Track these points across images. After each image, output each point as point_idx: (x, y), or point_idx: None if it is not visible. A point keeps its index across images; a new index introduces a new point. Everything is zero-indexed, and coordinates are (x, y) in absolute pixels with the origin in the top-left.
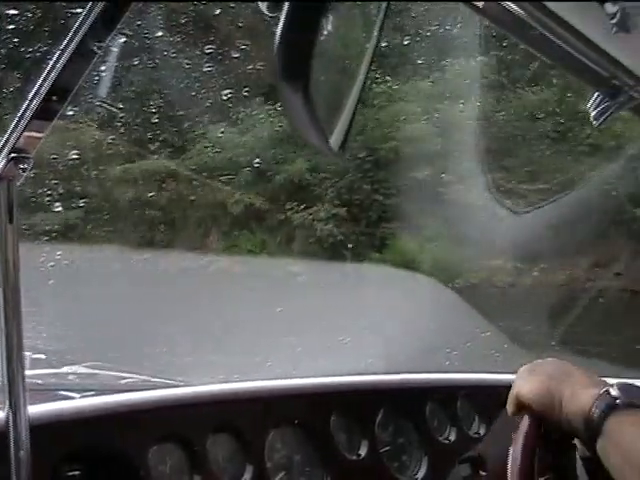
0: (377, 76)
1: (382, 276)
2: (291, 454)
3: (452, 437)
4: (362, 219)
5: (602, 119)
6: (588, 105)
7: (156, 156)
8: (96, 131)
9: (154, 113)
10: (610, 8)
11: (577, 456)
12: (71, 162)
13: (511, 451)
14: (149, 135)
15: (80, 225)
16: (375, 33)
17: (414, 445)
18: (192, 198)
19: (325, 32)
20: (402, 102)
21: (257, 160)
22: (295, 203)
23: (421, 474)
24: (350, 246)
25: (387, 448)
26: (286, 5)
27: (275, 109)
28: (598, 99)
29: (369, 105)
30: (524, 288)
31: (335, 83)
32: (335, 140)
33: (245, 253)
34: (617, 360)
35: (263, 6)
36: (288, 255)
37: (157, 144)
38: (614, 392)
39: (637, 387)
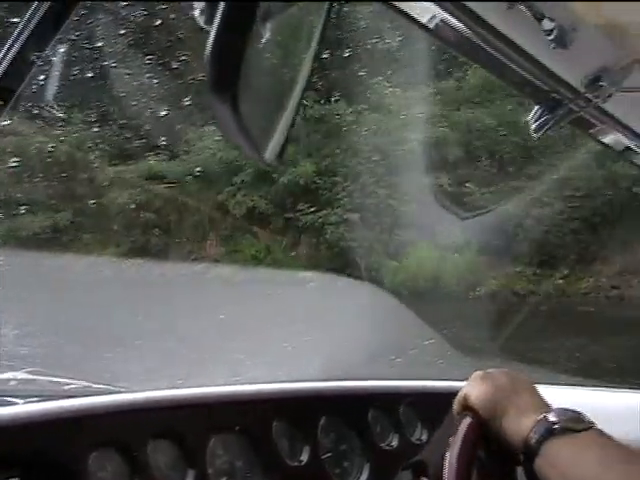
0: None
1: (327, 283)
2: (233, 460)
3: (395, 443)
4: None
5: (542, 131)
6: (529, 118)
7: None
8: (38, 137)
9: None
10: (547, 24)
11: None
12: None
13: (448, 452)
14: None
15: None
16: (314, 43)
17: (356, 451)
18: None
19: (258, 41)
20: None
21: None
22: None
23: None
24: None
25: (329, 454)
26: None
27: None
28: (538, 112)
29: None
30: (466, 295)
31: (272, 92)
32: (272, 150)
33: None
34: (555, 366)
35: (200, 19)
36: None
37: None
38: (552, 417)
39: (574, 411)
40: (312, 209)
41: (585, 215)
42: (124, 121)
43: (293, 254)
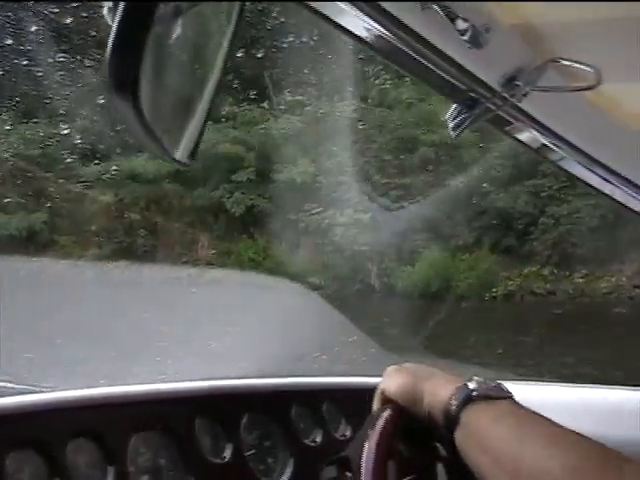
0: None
1: (253, 283)
2: (155, 458)
3: (318, 439)
4: None
5: (460, 130)
6: (447, 116)
7: None
8: None
9: None
10: (461, 25)
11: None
12: None
13: (367, 442)
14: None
15: None
16: (226, 41)
17: (280, 448)
18: None
19: (166, 40)
20: None
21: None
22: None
23: (286, 476)
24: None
25: (252, 451)
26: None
27: None
28: (456, 111)
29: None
30: (387, 293)
31: (182, 91)
32: (184, 149)
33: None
34: (475, 363)
35: (108, 17)
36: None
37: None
38: (472, 385)
39: (495, 382)
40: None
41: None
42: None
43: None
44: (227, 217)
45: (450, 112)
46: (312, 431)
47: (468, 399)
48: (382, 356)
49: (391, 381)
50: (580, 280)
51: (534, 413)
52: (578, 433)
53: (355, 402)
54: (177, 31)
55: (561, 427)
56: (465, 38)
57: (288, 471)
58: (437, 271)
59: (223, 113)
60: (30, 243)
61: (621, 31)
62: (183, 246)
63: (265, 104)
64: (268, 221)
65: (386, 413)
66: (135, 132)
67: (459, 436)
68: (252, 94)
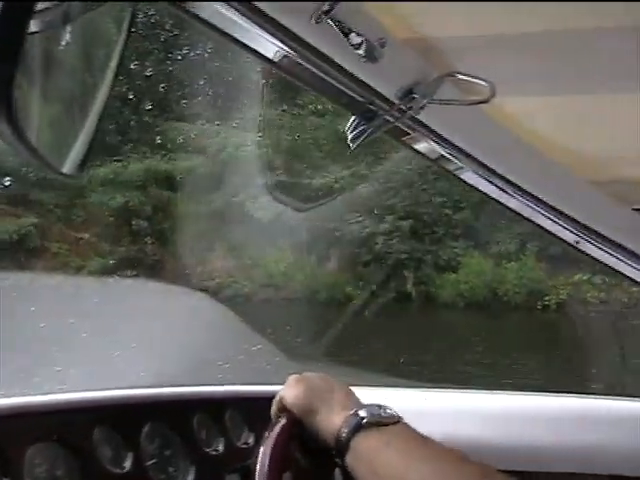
0: None
1: (156, 291)
2: (52, 469)
3: (221, 448)
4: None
5: (358, 141)
6: (346, 128)
7: None
8: None
9: None
10: (355, 39)
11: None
12: None
13: (261, 448)
14: None
15: None
16: (116, 52)
17: (181, 457)
18: None
19: (49, 49)
20: None
21: None
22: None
23: None
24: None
25: (153, 461)
26: None
27: None
28: (355, 123)
29: None
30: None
31: (67, 103)
32: (72, 162)
33: None
34: (374, 369)
35: None
36: None
37: None
38: (362, 413)
39: (383, 407)
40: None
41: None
42: None
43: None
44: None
45: (349, 124)
46: (214, 440)
47: (358, 427)
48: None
49: (290, 390)
50: (634, 289)
51: (422, 436)
52: (462, 454)
53: (259, 411)
54: (63, 42)
55: (445, 448)
56: (360, 52)
57: None
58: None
59: None
60: None
61: (515, 47)
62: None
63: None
64: None
65: (281, 422)
66: (10, 143)
67: (349, 460)
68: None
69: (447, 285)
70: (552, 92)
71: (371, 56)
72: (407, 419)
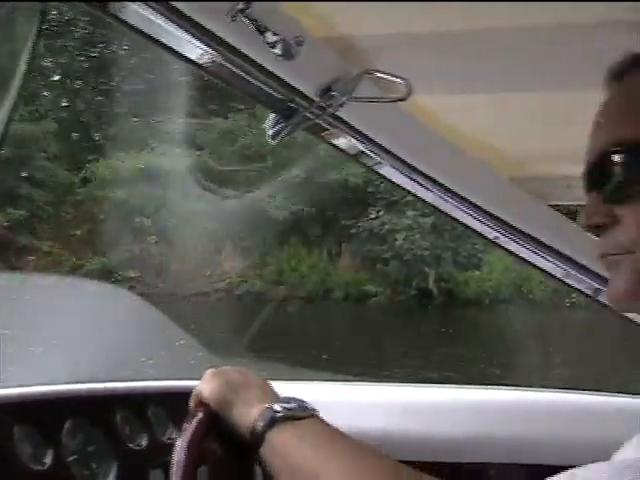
0: None
1: (80, 288)
2: None
3: (144, 443)
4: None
5: (278, 138)
6: (266, 125)
7: None
8: None
9: None
10: (271, 37)
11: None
12: None
13: (177, 442)
14: None
15: None
16: (27, 49)
17: (104, 453)
18: None
19: None
20: None
21: None
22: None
23: None
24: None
25: (75, 457)
26: None
27: None
28: (275, 119)
29: None
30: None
31: None
32: None
33: None
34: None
35: None
36: None
37: None
38: (276, 407)
39: (299, 400)
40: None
41: None
42: None
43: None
44: None
45: (269, 120)
46: (138, 435)
47: (273, 421)
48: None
49: (207, 384)
50: None
51: (334, 430)
52: (373, 449)
53: (183, 406)
54: None
55: (356, 443)
56: (276, 51)
57: (112, 476)
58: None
59: None
60: None
61: (434, 45)
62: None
63: None
64: None
65: (198, 416)
66: None
67: (265, 454)
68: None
69: (471, 282)
70: (471, 90)
71: (288, 54)
72: (324, 412)
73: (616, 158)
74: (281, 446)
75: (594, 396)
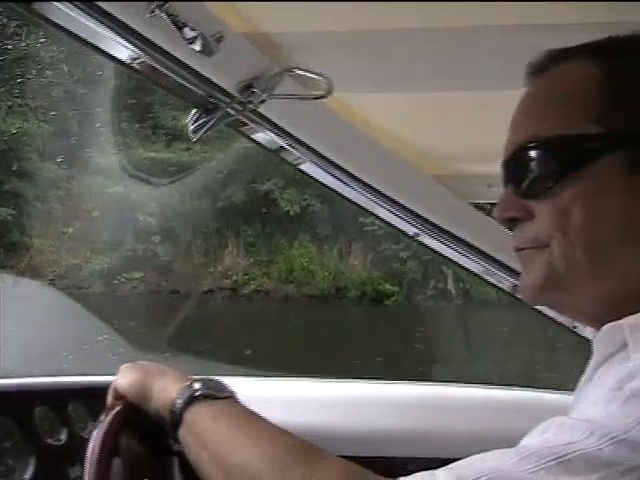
0: None
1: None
2: None
3: (63, 438)
4: None
5: (200, 133)
6: (187, 120)
7: None
8: None
9: None
10: (189, 33)
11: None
12: None
13: (93, 435)
14: None
15: None
16: None
17: (21, 449)
18: None
19: None
20: None
21: None
22: None
23: (28, 476)
24: None
25: None
26: None
27: None
28: (196, 115)
29: None
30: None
31: None
32: None
33: None
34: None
35: None
36: None
37: None
38: (196, 385)
39: (217, 381)
40: None
41: None
42: None
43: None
44: None
45: (190, 116)
46: (57, 431)
47: (192, 399)
48: None
49: (123, 378)
50: None
51: (250, 412)
52: (285, 431)
53: (101, 400)
54: None
55: (271, 424)
56: (194, 47)
57: (29, 471)
58: None
59: None
60: None
61: (356, 44)
62: None
63: None
64: None
65: (115, 409)
66: None
67: (182, 434)
68: None
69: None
70: (392, 89)
71: (207, 50)
72: (252, 408)
73: (531, 153)
74: (198, 426)
75: (512, 391)
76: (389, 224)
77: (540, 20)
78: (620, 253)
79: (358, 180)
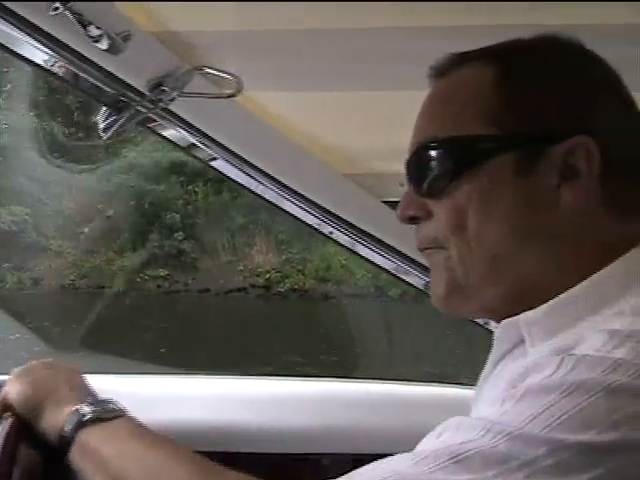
0: None
1: None
2: None
3: None
4: None
5: (110, 132)
6: (98, 118)
7: None
8: None
9: None
10: (94, 31)
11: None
12: None
13: None
14: None
15: None
16: None
17: None
18: None
19: None
20: None
21: None
22: None
23: None
24: None
25: None
26: None
27: None
28: (106, 113)
29: None
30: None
31: None
32: None
33: None
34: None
35: None
36: None
37: None
38: (84, 408)
39: (107, 400)
40: None
41: None
42: None
43: None
44: None
45: (101, 114)
46: None
47: (80, 424)
48: None
49: (13, 386)
50: None
51: (142, 432)
52: (184, 451)
53: None
54: None
55: (165, 445)
56: (100, 45)
57: None
58: None
59: None
60: None
61: (263, 43)
62: None
63: None
64: None
65: (8, 421)
66: None
67: (73, 457)
68: None
69: None
70: (304, 88)
71: (114, 49)
72: (139, 406)
73: (429, 153)
74: (89, 450)
75: (430, 387)
76: (303, 222)
77: (444, 22)
78: (515, 252)
79: (271, 178)
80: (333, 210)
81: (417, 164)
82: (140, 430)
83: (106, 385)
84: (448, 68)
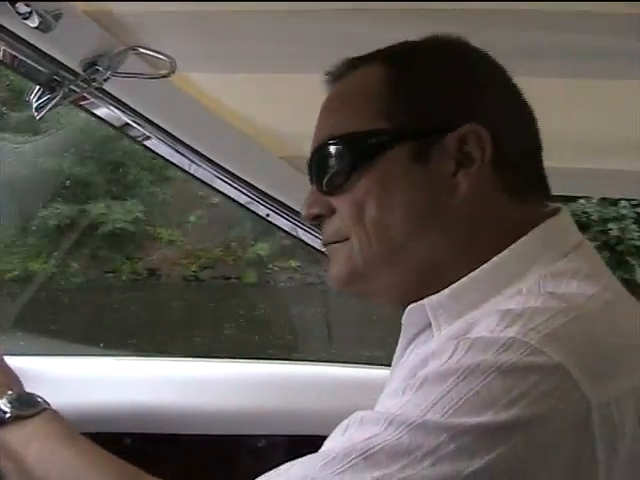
0: None
1: None
2: None
3: None
4: None
5: (43, 111)
6: (30, 97)
7: None
8: None
9: None
10: (23, 8)
11: None
12: None
13: None
14: None
15: None
16: None
17: None
18: None
19: None
20: None
21: None
22: None
23: None
24: None
25: None
26: None
27: None
28: (39, 92)
29: None
30: None
31: None
32: None
33: None
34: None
35: None
36: None
37: None
38: (4, 407)
39: (28, 396)
40: None
41: None
42: None
43: None
44: None
45: (34, 93)
46: None
47: (1, 422)
48: None
49: None
50: None
51: (64, 431)
52: (103, 453)
53: None
54: None
55: (86, 445)
56: (30, 23)
57: None
58: None
59: None
60: None
61: (195, 25)
62: None
63: None
64: None
65: None
66: None
67: None
68: None
69: None
70: (236, 70)
71: (44, 26)
72: (78, 387)
73: (327, 151)
74: (10, 448)
75: (362, 369)
76: (239, 204)
77: (378, 6)
78: (414, 238)
79: (206, 159)
80: (271, 193)
81: (317, 163)
82: (60, 431)
83: (43, 366)
84: (343, 72)
